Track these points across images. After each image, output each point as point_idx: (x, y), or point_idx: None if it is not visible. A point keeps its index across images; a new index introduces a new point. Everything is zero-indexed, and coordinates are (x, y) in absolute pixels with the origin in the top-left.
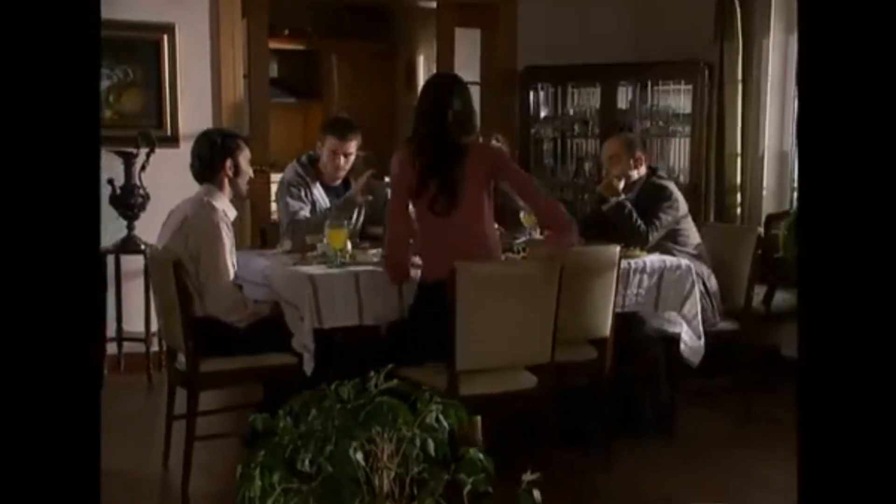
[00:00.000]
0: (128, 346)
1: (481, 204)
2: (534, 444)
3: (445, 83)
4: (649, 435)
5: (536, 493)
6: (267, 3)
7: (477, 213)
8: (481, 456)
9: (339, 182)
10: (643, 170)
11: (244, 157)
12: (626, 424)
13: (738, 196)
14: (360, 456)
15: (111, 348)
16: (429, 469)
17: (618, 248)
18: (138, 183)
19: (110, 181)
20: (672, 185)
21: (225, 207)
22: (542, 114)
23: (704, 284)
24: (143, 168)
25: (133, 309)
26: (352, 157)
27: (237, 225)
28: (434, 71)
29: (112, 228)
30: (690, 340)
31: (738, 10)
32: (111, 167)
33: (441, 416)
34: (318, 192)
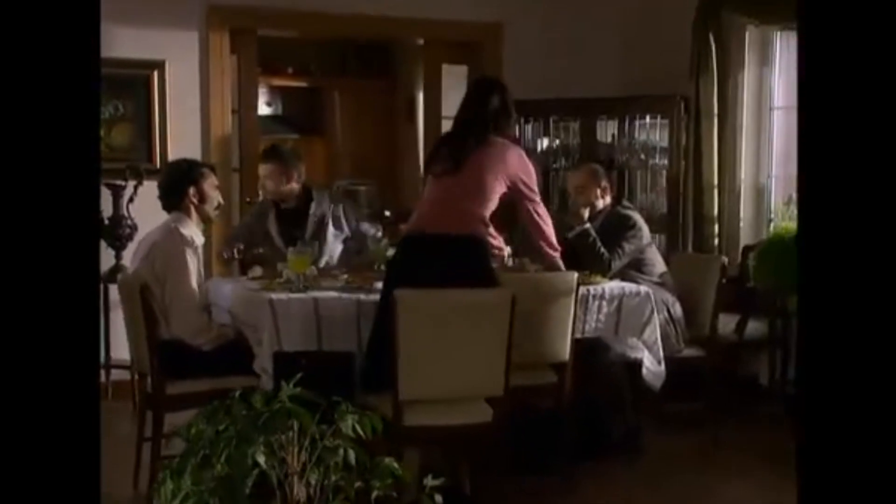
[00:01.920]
0: (115, 374)
1: (483, 187)
2: (494, 470)
3: (487, 83)
4: (615, 458)
5: (438, 498)
6: (256, 40)
7: (473, 191)
8: (395, 465)
9: (289, 206)
10: (608, 199)
11: (209, 184)
12: (592, 449)
13: (716, 227)
14: (262, 459)
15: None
16: (346, 476)
17: (575, 275)
18: (126, 214)
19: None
20: (636, 215)
21: (192, 234)
22: (527, 147)
23: (669, 312)
24: (130, 200)
25: (120, 337)
26: (268, 183)
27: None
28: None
29: (100, 258)
30: (652, 365)
31: (714, 45)
32: (100, 199)
33: (357, 426)
34: (272, 218)
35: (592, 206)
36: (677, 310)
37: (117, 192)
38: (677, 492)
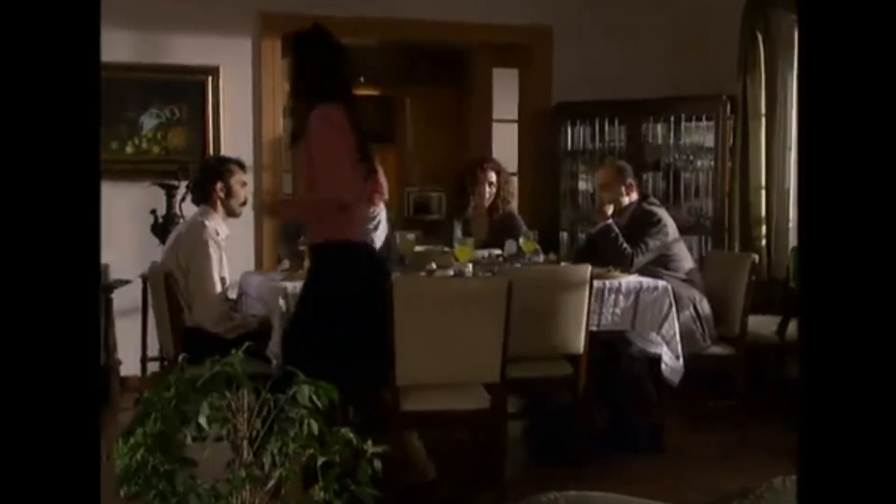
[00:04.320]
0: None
1: None
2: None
3: (332, 40)
4: (636, 454)
5: (378, 464)
6: None
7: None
8: (351, 435)
9: None
10: (634, 196)
11: (236, 180)
12: (615, 445)
13: (764, 228)
14: (203, 420)
15: (153, 367)
16: (303, 446)
17: (589, 267)
18: (178, 213)
19: (153, 211)
20: (662, 211)
21: (217, 226)
22: (575, 148)
23: (695, 308)
24: (183, 199)
25: None
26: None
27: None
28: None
29: (153, 255)
30: (670, 360)
31: (762, 44)
32: (155, 199)
33: (314, 396)
34: None
35: (618, 203)
36: (704, 307)
37: (171, 192)
38: (693, 488)
